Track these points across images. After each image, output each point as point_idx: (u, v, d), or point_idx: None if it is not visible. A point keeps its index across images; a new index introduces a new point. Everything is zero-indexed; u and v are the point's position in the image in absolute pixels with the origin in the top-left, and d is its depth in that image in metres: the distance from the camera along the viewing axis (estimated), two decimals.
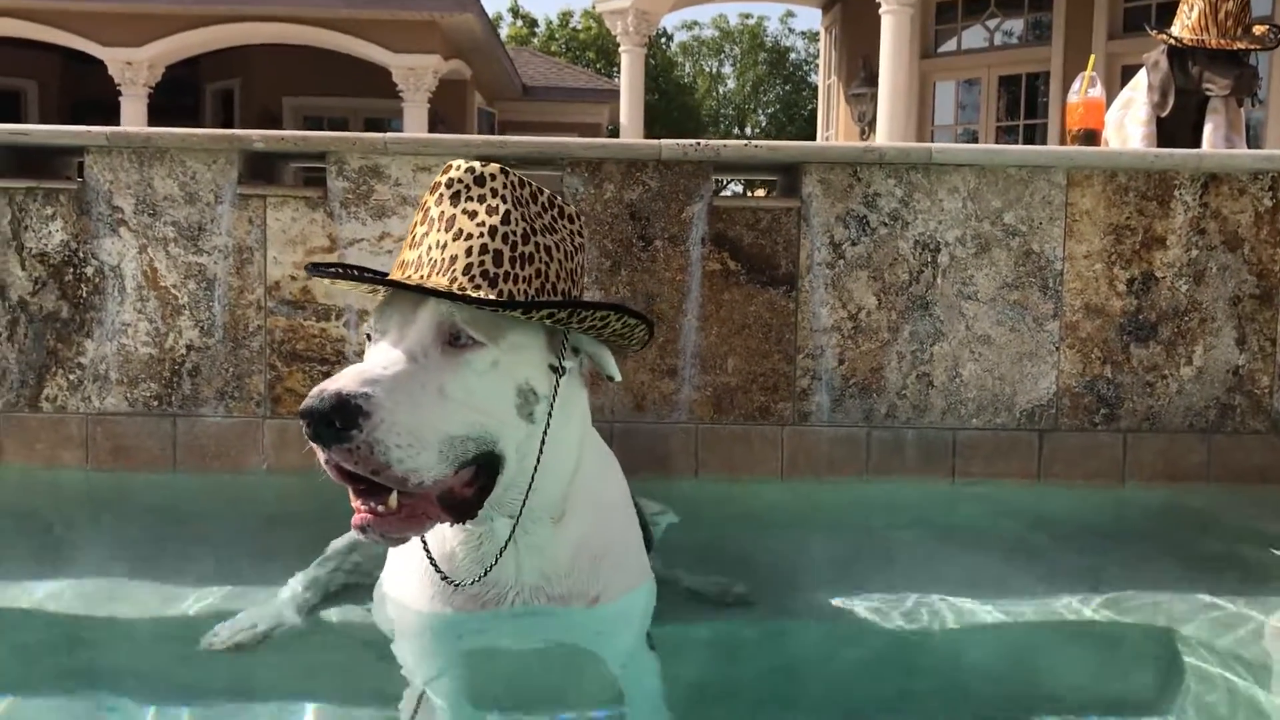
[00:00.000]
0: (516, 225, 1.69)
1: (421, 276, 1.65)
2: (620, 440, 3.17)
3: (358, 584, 2.22)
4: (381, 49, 13.58)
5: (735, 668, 2.15)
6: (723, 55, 39.68)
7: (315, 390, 1.49)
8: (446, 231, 1.67)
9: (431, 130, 13.35)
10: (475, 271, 1.64)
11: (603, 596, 1.94)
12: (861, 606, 2.30)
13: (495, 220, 1.67)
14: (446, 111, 15.21)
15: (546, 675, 1.98)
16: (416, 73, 13.69)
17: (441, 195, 1.70)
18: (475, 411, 1.63)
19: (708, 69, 39.85)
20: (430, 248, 1.67)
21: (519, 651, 1.96)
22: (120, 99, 13.31)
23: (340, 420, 1.47)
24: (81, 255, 3.20)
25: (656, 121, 27.62)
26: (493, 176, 1.70)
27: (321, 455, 1.52)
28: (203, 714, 1.83)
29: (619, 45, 17.56)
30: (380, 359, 1.60)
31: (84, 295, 3.21)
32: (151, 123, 12.30)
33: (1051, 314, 3.27)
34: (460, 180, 1.70)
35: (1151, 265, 3.27)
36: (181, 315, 3.20)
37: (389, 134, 3.28)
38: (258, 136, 3.19)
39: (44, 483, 3.16)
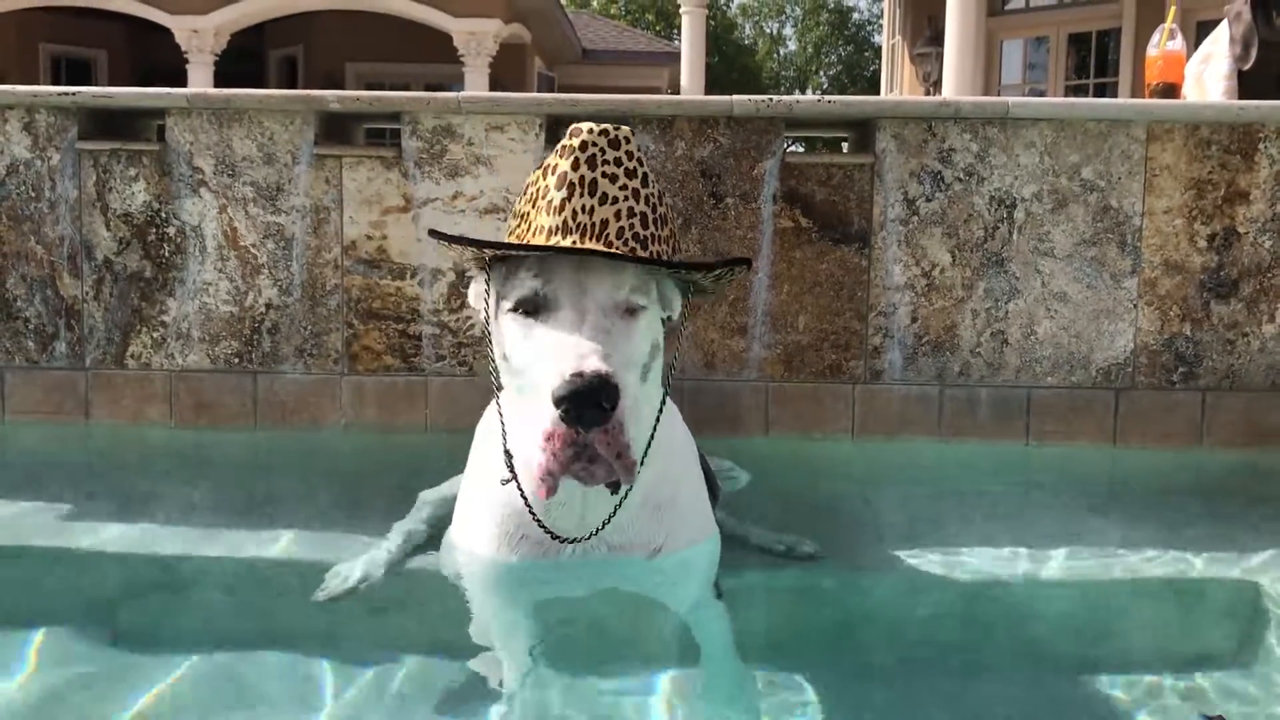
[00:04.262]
0: (652, 186, 1.71)
1: (574, 241, 1.65)
2: (690, 398, 3.18)
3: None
4: (442, 13, 13.61)
5: (805, 618, 2.17)
6: (784, 16, 39.20)
7: (567, 371, 1.49)
8: (590, 196, 1.66)
9: None
10: (627, 235, 1.66)
11: (665, 547, 1.95)
12: (934, 561, 2.30)
13: (635, 183, 1.69)
14: (507, 76, 15.22)
15: (611, 623, 2.01)
16: (477, 37, 13.71)
17: (577, 159, 1.68)
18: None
19: (768, 30, 39.41)
20: (576, 212, 1.66)
21: (584, 599, 1.99)
22: (187, 66, 13.50)
23: (608, 400, 1.50)
24: (164, 215, 3.27)
25: (717, 84, 27.39)
26: (626, 140, 1.71)
27: (565, 441, 1.52)
28: (289, 659, 1.88)
29: (679, 7, 17.47)
30: (586, 333, 1.59)
31: (166, 255, 3.28)
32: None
33: (1130, 271, 3.22)
34: (594, 144, 1.69)
35: (1234, 220, 3.21)
36: (261, 274, 3.27)
37: (462, 93, 3.30)
38: (333, 97, 3.23)
39: (131, 438, 3.25)
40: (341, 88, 14.82)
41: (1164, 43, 3.97)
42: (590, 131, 1.70)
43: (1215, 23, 4.61)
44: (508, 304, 1.68)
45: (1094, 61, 13.10)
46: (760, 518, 2.41)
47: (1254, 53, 4.33)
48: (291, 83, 16.03)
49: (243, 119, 3.23)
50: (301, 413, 3.28)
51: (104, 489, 2.78)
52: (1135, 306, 3.23)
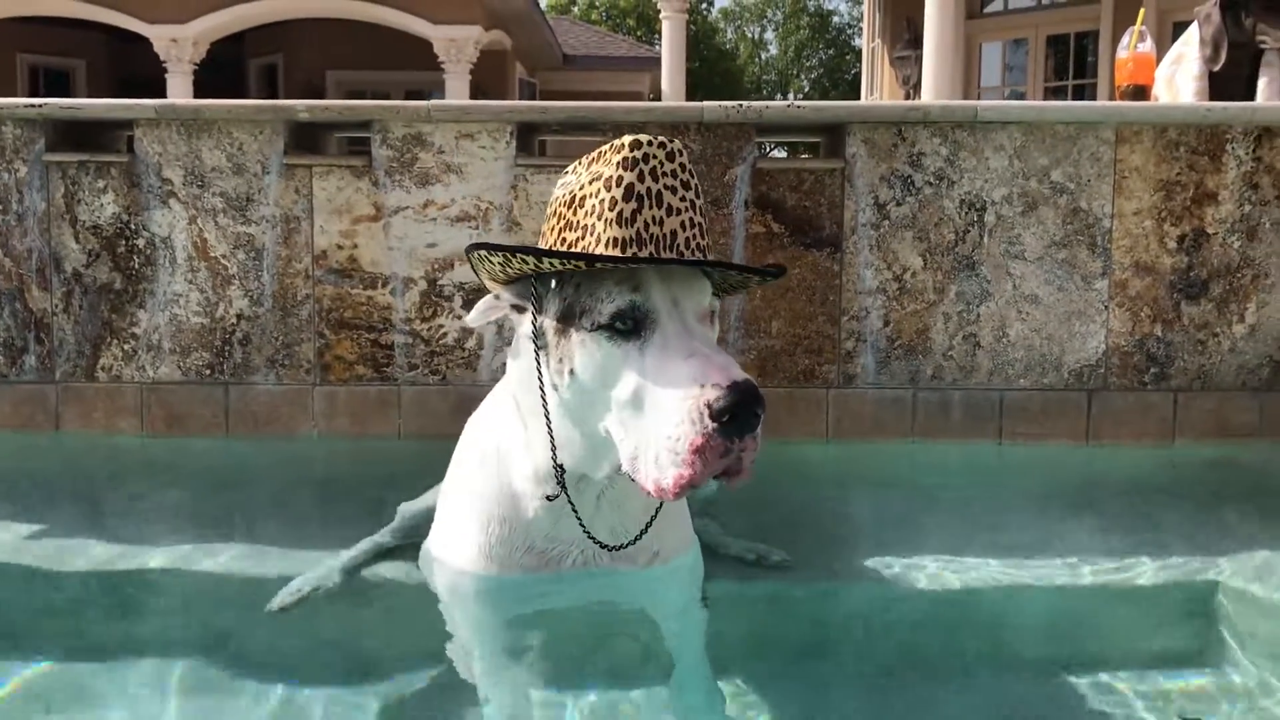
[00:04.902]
0: (700, 196, 1.72)
1: (650, 253, 1.65)
2: None
3: (413, 545, 2.25)
4: (423, 20, 13.61)
5: (780, 626, 2.16)
6: (765, 20, 39.33)
7: (723, 383, 1.50)
8: (658, 207, 1.66)
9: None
10: (693, 245, 1.67)
11: (661, 553, 1.96)
12: (908, 566, 2.30)
13: (691, 195, 1.70)
14: (487, 82, 15.23)
15: (599, 633, 2.01)
16: (458, 44, 13.71)
17: (642, 171, 1.67)
18: None
19: (750, 34, 39.53)
20: (648, 224, 1.65)
21: (573, 610, 1.99)
22: (166, 76, 13.45)
23: (761, 407, 1.51)
24: (133, 227, 3.25)
25: (698, 88, 27.47)
26: (680, 151, 1.71)
27: (718, 451, 1.52)
28: (250, 672, 1.87)
29: (659, 12, 17.50)
30: (703, 344, 1.61)
31: (136, 266, 3.26)
32: (197, 98, 12.42)
33: (1100, 272, 3.23)
34: (654, 155, 1.68)
35: (1203, 221, 3.22)
36: (231, 285, 3.25)
37: (432, 101, 3.29)
38: (302, 107, 3.22)
39: (102, 449, 3.23)
40: (322, 96, 14.83)
41: (1134, 45, 3.99)
42: (650, 144, 1.69)
43: (1191, 23, 4.64)
44: (592, 320, 1.65)
45: (1073, 63, 13.17)
46: (734, 524, 2.40)
47: (1224, 54, 4.36)
48: (272, 91, 16.00)
49: (211, 129, 3.22)
50: (274, 423, 3.26)
51: (74, 502, 2.76)
52: (1106, 308, 3.24)
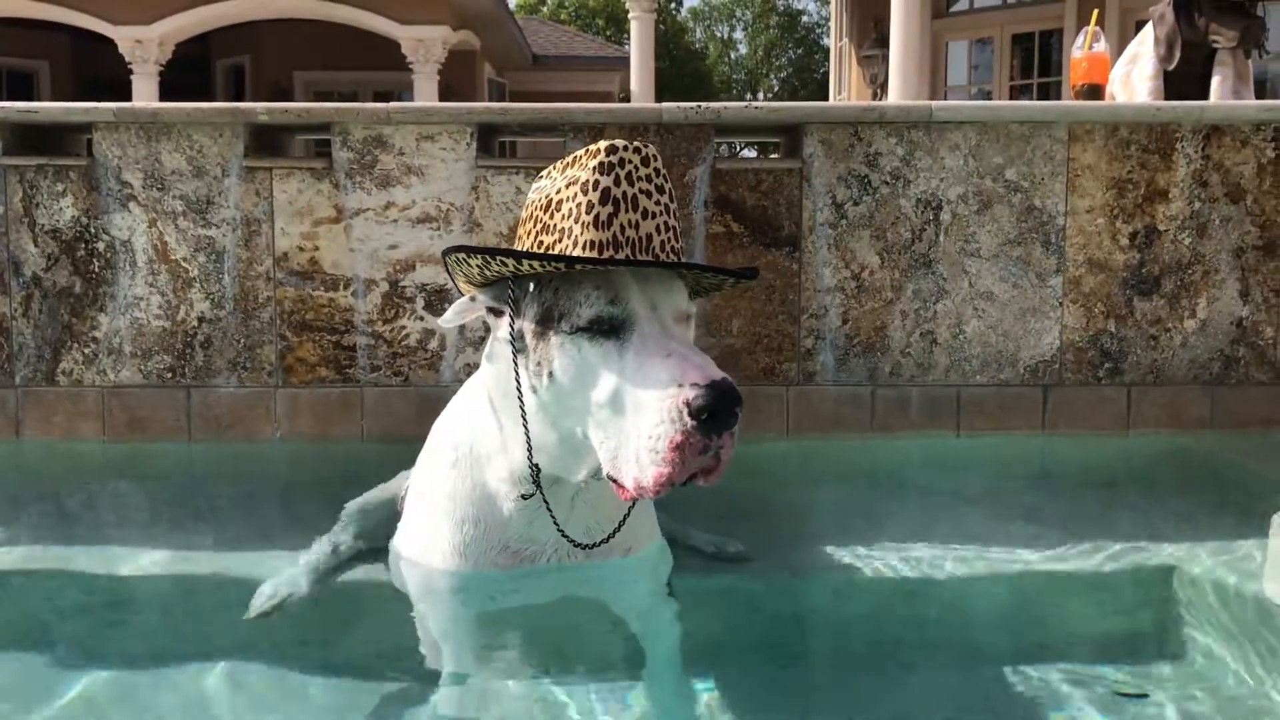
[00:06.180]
0: (674, 200, 1.75)
1: (627, 255, 1.67)
2: None
3: (373, 547, 2.25)
4: (390, 21, 13.57)
5: (742, 619, 2.18)
6: (734, 20, 39.42)
7: (701, 382, 1.53)
8: (634, 211, 1.68)
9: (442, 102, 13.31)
10: (668, 248, 1.70)
11: (634, 549, 2.00)
12: (867, 558, 2.32)
13: (665, 199, 1.73)
14: (456, 83, 15.18)
15: (571, 627, 2.02)
16: (425, 44, 13.68)
17: (618, 175, 1.69)
18: None
19: (719, 34, 39.60)
20: (624, 227, 1.67)
21: (545, 605, 2.00)
22: (131, 77, 13.35)
23: (739, 405, 1.55)
24: (93, 231, 3.24)
25: (668, 88, 27.50)
26: (655, 156, 1.74)
27: (697, 448, 1.55)
28: (226, 677, 1.87)
29: (629, 12, 17.51)
30: (674, 343, 1.63)
31: (96, 270, 3.25)
32: (163, 100, 12.31)
33: (1054, 269, 3.28)
34: (630, 160, 1.71)
35: (1154, 218, 3.28)
36: (192, 288, 3.25)
37: (393, 104, 3.30)
38: (262, 109, 3.22)
39: (63, 455, 3.21)
40: (290, 97, 14.75)
41: (1088, 45, 4.04)
42: (625, 148, 1.71)
43: None
44: (571, 323, 1.66)
45: (1038, 61, 13.29)
46: (694, 519, 2.42)
47: (1178, 53, 4.42)
48: (239, 92, 15.90)
49: (171, 133, 3.21)
50: (236, 426, 3.26)
51: (36, 507, 2.75)
52: (1061, 304, 3.29)
